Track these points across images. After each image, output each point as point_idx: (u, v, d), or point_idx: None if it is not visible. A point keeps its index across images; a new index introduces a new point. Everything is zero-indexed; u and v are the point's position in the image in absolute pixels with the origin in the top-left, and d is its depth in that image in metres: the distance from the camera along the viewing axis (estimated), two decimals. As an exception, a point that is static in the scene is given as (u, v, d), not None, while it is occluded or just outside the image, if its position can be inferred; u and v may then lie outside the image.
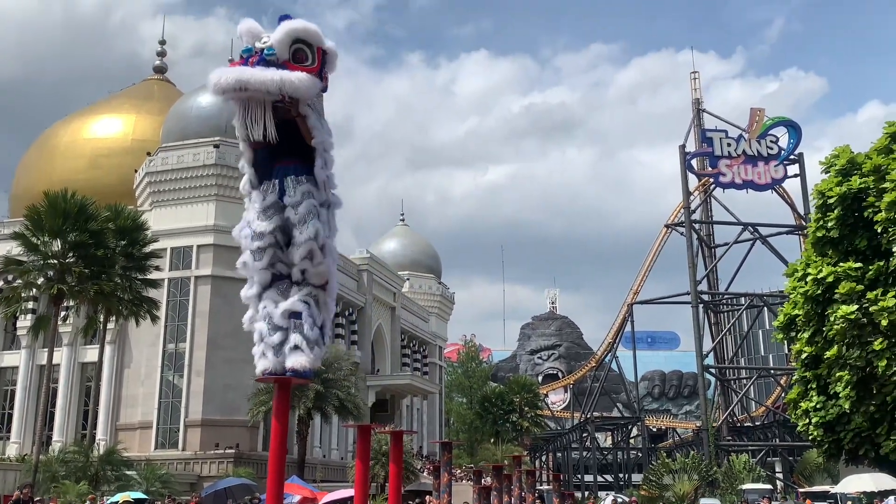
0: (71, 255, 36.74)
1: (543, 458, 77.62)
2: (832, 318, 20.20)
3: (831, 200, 21.59)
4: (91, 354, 49.02)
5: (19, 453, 47.14)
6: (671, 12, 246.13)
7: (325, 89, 5.53)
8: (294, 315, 5.58)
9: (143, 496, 24.14)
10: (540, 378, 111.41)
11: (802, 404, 22.77)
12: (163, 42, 74.61)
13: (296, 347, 5.52)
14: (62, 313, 40.56)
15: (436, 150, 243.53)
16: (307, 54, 5.35)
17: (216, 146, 49.92)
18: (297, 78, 5.22)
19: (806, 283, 21.61)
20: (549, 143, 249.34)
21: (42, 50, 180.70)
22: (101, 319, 39.98)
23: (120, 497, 21.60)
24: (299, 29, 5.34)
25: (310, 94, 5.32)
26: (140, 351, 49.97)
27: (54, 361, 41.70)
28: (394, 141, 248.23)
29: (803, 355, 22.11)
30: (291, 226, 5.54)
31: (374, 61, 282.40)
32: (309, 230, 5.46)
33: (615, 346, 71.55)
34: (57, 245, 36.62)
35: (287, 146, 5.52)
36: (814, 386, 22.27)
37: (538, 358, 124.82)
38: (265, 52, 5.28)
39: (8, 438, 51.88)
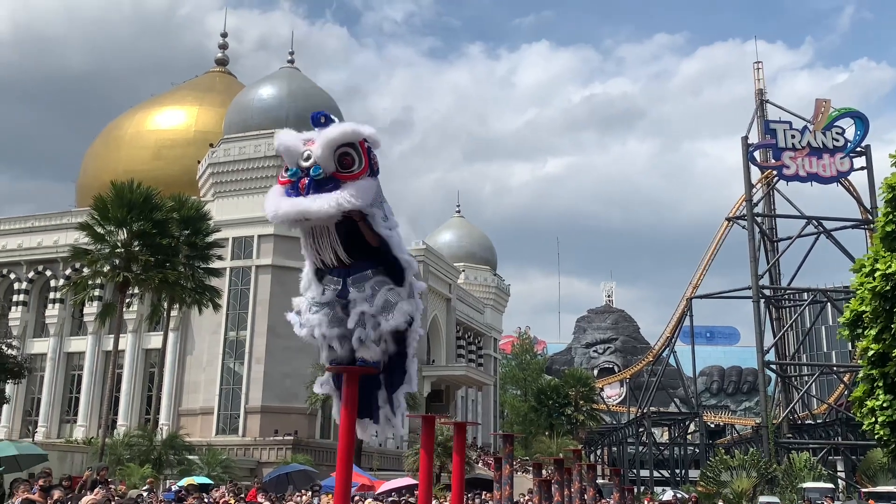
0: (136, 244, 37.67)
1: (598, 452, 77.16)
2: (901, 315, 19.70)
3: (901, 194, 21.02)
4: (155, 341, 50.24)
5: (86, 436, 48.62)
6: (738, 1, 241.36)
7: (377, 174, 5.38)
8: (359, 308, 5.62)
9: (209, 481, 24.71)
10: (595, 372, 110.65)
11: (868, 403, 22.23)
12: (224, 35, 75.91)
13: (363, 340, 5.59)
14: (127, 301, 41.64)
15: (494, 142, 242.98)
16: (353, 157, 5.20)
17: (277, 138, 50.60)
18: (350, 195, 5.08)
19: (874, 278, 21.08)
20: (609, 135, 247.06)
21: (110, 44, 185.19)
22: (165, 307, 40.91)
23: (185, 481, 22.15)
24: (338, 138, 5.15)
25: (367, 202, 5.22)
26: (202, 338, 51.04)
27: (119, 348, 42.81)
28: (452, 132, 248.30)
29: (870, 352, 21.58)
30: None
31: (433, 53, 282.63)
32: (395, 319, 5.45)
33: (673, 340, 70.67)
34: (122, 234, 37.58)
35: (353, 246, 5.44)
36: (880, 384, 21.73)
37: (593, 351, 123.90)
38: (312, 173, 5.13)
39: (75, 422, 53.53)
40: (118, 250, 37.55)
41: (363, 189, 5.18)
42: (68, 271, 53.03)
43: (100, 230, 37.50)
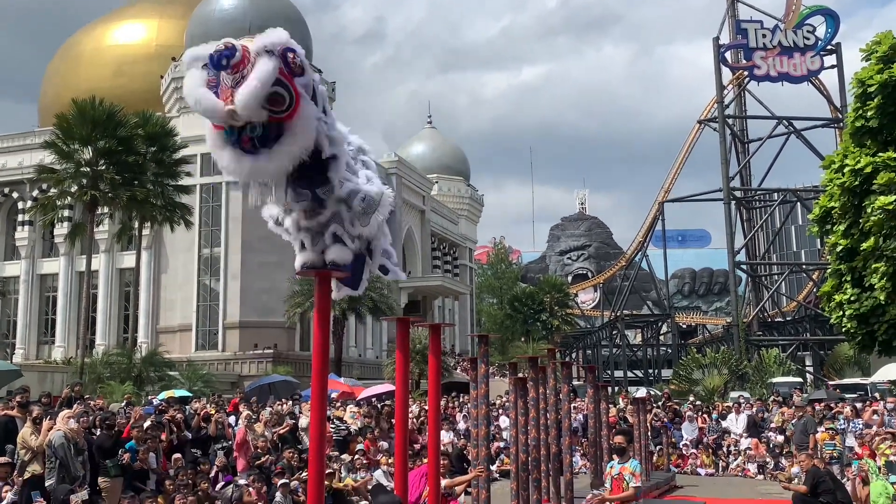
0: (102, 162, 37.06)
1: (574, 355, 78.76)
2: (869, 210, 19.92)
3: (871, 89, 20.98)
4: (128, 260, 49.96)
5: (64, 356, 48.77)
6: None
7: (303, 72, 4.82)
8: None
9: (187, 394, 24.95)
10: (570, 278, 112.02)
11: (836, 297, 22.69)
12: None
13: (336, 239, 5.53)
14: (97, 220, 41.19)
15: (468, 51, 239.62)
16: (282, 95, 4.69)
17: (241, 49, 49.36)
18: (298, 148, 4.80)
19: (843, 174, 21.23)
20: (584, 41, 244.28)
21: None
22: (136, 226, 40.53)
23: (165, 395, 22.36)
24: (258, 91, 4.55)
25: (313, 135, 4.90)
26: (176, 256, 50.83)
27: (93, 268, 42.50)
28: (425, 43, 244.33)
29: (838, 248, 21.91)
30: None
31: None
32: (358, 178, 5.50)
33: (646, 244, 71.39)
34: (88, 153, 36.90)
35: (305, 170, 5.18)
36: (848, 278, 22.14)
37: (567, 258, 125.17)
38: (250, 133, 4.70)
39: (53, 342, 53.58)
40: (84, 169, 36.94)
41: (305, 126, 4.84)
42: (35, 192, 52.17)
43: (65, 148, 36.79)
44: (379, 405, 22.49)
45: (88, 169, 36.96)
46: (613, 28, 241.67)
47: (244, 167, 4.83)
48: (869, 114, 21.13)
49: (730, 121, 62.03)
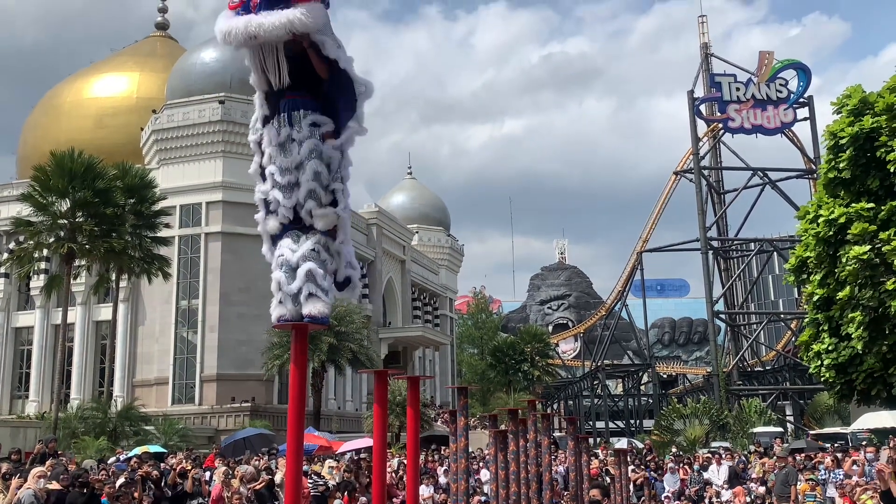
0: (80, 214, 36.88)
1: (555, 405, 78.29)
2: (844, 259, 20.13)
3: (843, 141, 21.36)
4: (105, 313, 49.45)
5: (38, 411, 47.89)
6: None
7: (328, 5, 5.39)
8: (306, 265, 5.56)
9: (162, 450, 24.52)
10: (550, 328, 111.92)
11: (814, 346, 22.80)
12: (164, -2, 73.82)
13: (311, 295, 5.52)
14: (74, 272, 40.82)
15: (452, 104, 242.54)
16: None
17: (221, 102, 49.68)
18: (302, 14, 5.08)
19: (818, 224, 21.50)
20: (567, 94, 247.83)
21: (62, 15, 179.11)
22: (114, 278, 40.21)
23: (139, 450, 21.95)
24: None
25: (319, 25, 5.20)
26: (153, 308, 50.35)
27: (69, 321, 41.98)
28: (410, 95, 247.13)
29: (815, 297, 22.08)
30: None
31: (388, 15, 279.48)
32: (307, 172, 5.41)
33: (625, 294, 71.64)
34: (65, 204, 36.73)
35: (296, 78, 5.46)
36: (825, 328, 22.28)
37: (548, 308, 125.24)
38: None
39: (27, 397, 52.64)
40: (62, 221, 36.72)
41: (315, 10, 5.14)
42: (12, 244, 51.69)
43: (42, 201, 36.61)
44: (357, 458, 22.18)
45: (66, 221, 36.75)
46: (595, 82, 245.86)
47: (240, 22, 5.09)
48: (841, 165, 21.48)
49: (705, 172, 62.83)
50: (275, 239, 5.73)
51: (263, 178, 5.61)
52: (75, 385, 51.00)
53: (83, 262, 40.72)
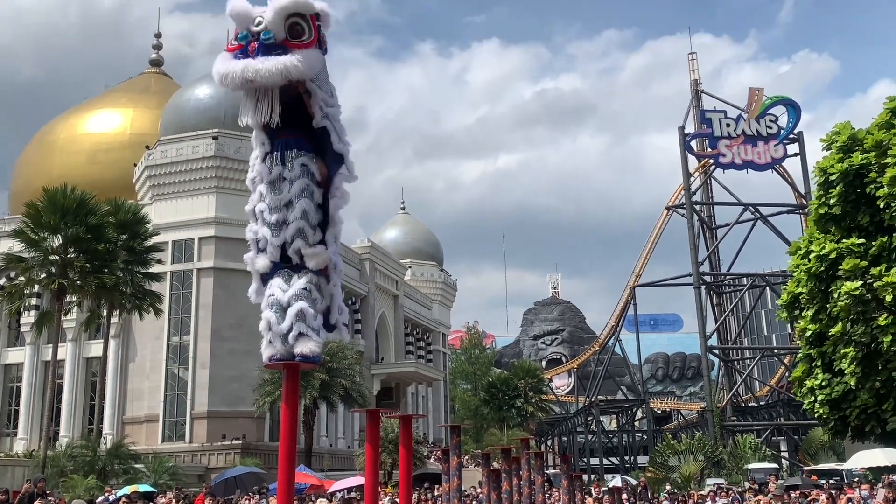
0: (72, 250, 36.75)
1: (549, 442, 77.84)
2: (836, 295, 20.15)
3: (833, 177, 21.49)
4: (96, 349, 49.11)
5: (26, 449, 47.32)
6: None
7: (325, 52, 5.56)
8: (297, 304, 5.57)
9: (151, 489, 24.23)
10: (543, 363, 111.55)
11: (807, 382, 22.74)
12: (158, 35, 74.42)
13: (301, 335, 5.52)
14: (65, 308, 40.59)
15: (446, 139, 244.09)
16: (303, 27, 5.36)
17: (215, 138, 49.85)
18: (298, 61, 5.25)
19: (809, 260, 21.55)
20: (560, 130, 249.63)
21: (59, 50, 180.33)
22: (105, 314, 39.99)
23: (128, 489, 21.69)
24: (289, 6, 5.32)
25: (314, 72, 5.36)
26: (144, 344, 50.06)
27: (59, 357, 41.71)
28: (404, 131, 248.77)
29: (807, 333, 22.06)
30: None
31: (383, 52, 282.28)
32: (296, 210, 5.47)
33: (618, 329, 71.58)
34: (57, 240, 36.61)
35: (291, 119, 5.55)
36: (818, 363, 22.24)
37: (541, 343, 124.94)
38: (262, 36, 5.30)
39: (15, 435, 52.04)
40: (53, 257, 36.59)
41: (311, 58, 5.30)
42: (2, 280, 51.42)
43: (34, 237, 36.50)
44: (348, 497, 21.95)
45: (57, 257, 36.63)
46: (588, 118, 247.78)
47: (237, 66, 5.25)
48: (832, 201, 21.59)
49: (697, 207, 63.19)
50: (265, 278, 5.76)
51: (256, 218, 5.69)
52: (64, 422, 50.49)
53: (74, 298, 40.53)
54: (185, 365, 48.77)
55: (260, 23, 5.32)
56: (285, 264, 5.64)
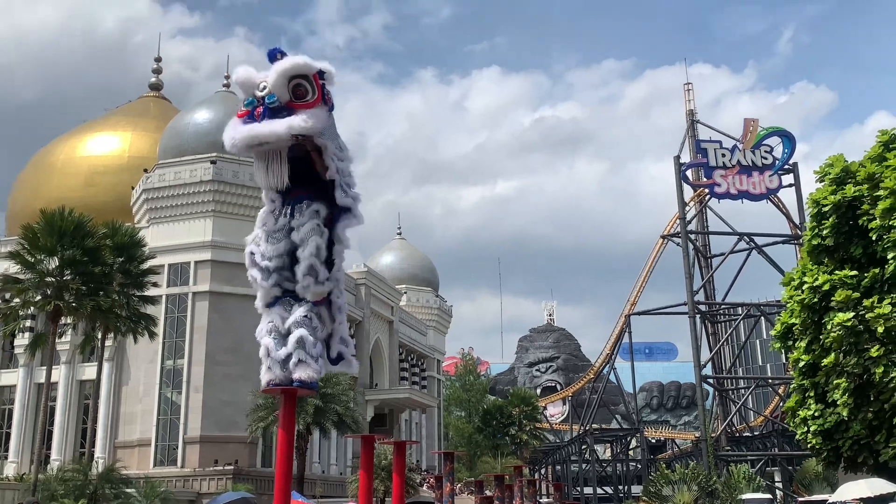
0: (68, 272, 36.79)
1: (543, 470, 77.46)
2: (829, 326, 20.25)
3: (826, 209, 21.67)
4: (89, 372, 48.99)
5: (17, 472, 47.04)
6: (685, 28, 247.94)
7: (332, 109, 5.72)
8: (297, 331, 5.69)
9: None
10: (538, 391, 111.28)
11: (801, 412, 22.77)
12: (158, 59, 74.93)
13: (300, 361, 5.63)
14: (60, 331, 40.55)
15: (445, 166, 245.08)
16: (306, 88, 5.53)
17: (213, 162, 50.07)
18: (303, 120, 5.43)
19: (802, 291, 21.68)
20: (558, 158, 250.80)
21: (62, 72, 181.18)
22: (99, 336, 39.96)
23: (120, 514, 21.60)
24: (290, 68, 5.50)
25: (319, 129, 5.52)
26: (138, 368, 49.93)
27: (52, 379, 41.63)
28: (403, 156, 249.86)
29: (801, 363, 22.13)
30: (297, 246, 5.72)
31: (383, 78, 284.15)
32: (310, 247, 5.61)
33: (613, 357, 71.52)
34: (54, 263, 36.67)
35: (303, 176, 5.72)
36: (812, 394, 22.29)
37: (536, 370, 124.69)
38: (267, 100, 5.48)
39: (6, 458, 51.71)
40: (49, 279, 36.62)
41: (316, 116, 5.49)
42: (-3, 302, 51.43)
43: (30, 259, 36.57)
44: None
45: (53, 279, 36.66)
46: (585, 146, 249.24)
47: (244, 130, 5.46)
48: (825, 233, 21.76)
49: (692, 236, 63.39)
50: (269, 305, 5.92)
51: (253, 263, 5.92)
52: (56, 446, 50.22)
53: (69, 321, 40.51)
54: (178, 389, 48.62)
55: (264, 87, 5.50)
56: (288, 294, 5.80)
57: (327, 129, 5.66)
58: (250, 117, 5.55)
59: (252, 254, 5.86)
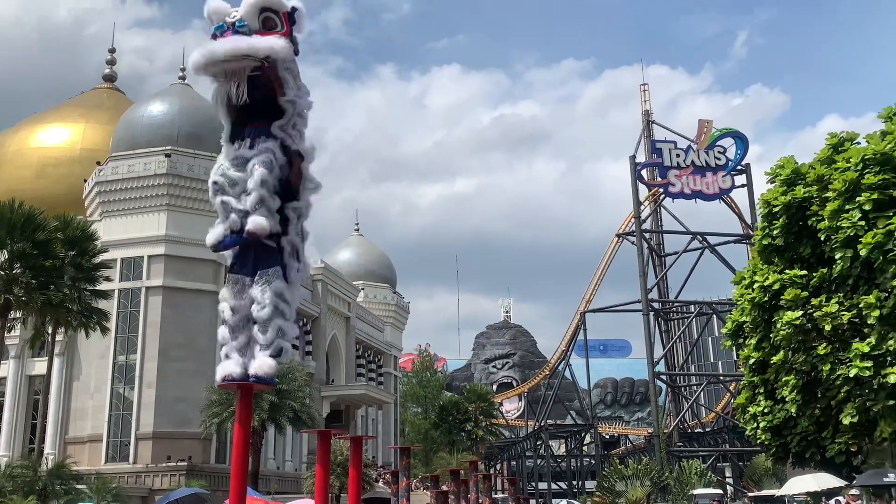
0: (17, 265, 36.05)
1: (498, 466, 77.86)
2: (778, 325, 20.72)
3: (776, 209, 22.17)
4: (39, 367, 48.10)
5: (-37, 469, 45.98)
6: (643, 29, 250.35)
7: (297, 52, 5.82)
8: (257, 319, 5.66)
9: (95, 510, 23.81)
10: (494, 387, 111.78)
11: (750, 409, 23.27)
12: (112, 50, 73.64)
13: (261, 349, 5.63)
14: (8, 325, 39.73)
15: (404, 162, 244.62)
16: (275, 21, 5.66)
17: (167, 155, 49.38)
18: (266, 42, 5.52)
19: (753, 290, 22.15)
20: (517, 156, 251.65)
21: (12, 65, 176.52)
22: (50, 331, 39.24)
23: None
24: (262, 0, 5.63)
25: (283, 55, 5.61)
26: (89, 363, 49.12)
27: (1, 375, 40.75)
28: (362, 152, 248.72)
29: (751, 361, 22.61)
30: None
31: (342, 73, 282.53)
32: (255, 177, 5.63)
33: (568, 354, 72.17)
34: (3, 256, 35.92)
35: (264, 111, 5.78)
36: (761, 391, 22.78)
37: (492, 367, 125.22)
38: (237, 24, 5.62)
39: (-49, 454, 50.56)
40: (-2, 272, 35.87)
41: (279, 44, 5.57)
42: (-57, 296, 50.19)
43: (-22, 252, 35.78)
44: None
45: (2, 272, 35.90)
46: (544, 145, 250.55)
47: (208, 46, 5.53)
48: (775, 233, 22.25)
49: (647, 235, 64.18)
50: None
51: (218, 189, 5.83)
52: (4, 442, 49.21)
53: (19, 315, 39.70)
54: (130, 384, 47.94)
55: (235, 16, 5.63)
56: (240, 269, 5.78)
57: (292, 67, 5.77)
58: (222, 34, 5.65)
59: (216, 182, 5.88)
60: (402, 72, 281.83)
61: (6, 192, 42.29)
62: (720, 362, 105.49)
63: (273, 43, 5.54)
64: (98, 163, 52.67)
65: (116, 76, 72.30)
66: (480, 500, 12.67)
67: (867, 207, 19.58)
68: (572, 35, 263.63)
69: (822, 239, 20.82)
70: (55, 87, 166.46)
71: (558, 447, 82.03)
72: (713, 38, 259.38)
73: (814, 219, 21.19)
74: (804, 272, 21.11)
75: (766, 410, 22.38)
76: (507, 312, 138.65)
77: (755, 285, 22.08)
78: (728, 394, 67.99)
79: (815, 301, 20.15)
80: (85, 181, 53.96)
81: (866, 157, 20.39)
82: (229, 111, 5.85)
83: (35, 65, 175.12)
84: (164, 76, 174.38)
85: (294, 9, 5.75)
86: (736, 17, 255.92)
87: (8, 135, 65.00)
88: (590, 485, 61.64)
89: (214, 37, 5.64)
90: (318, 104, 6.12)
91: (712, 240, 63.42)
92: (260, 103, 5.72)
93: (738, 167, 63.19)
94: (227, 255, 5.90)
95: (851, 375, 18.93)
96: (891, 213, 19.29)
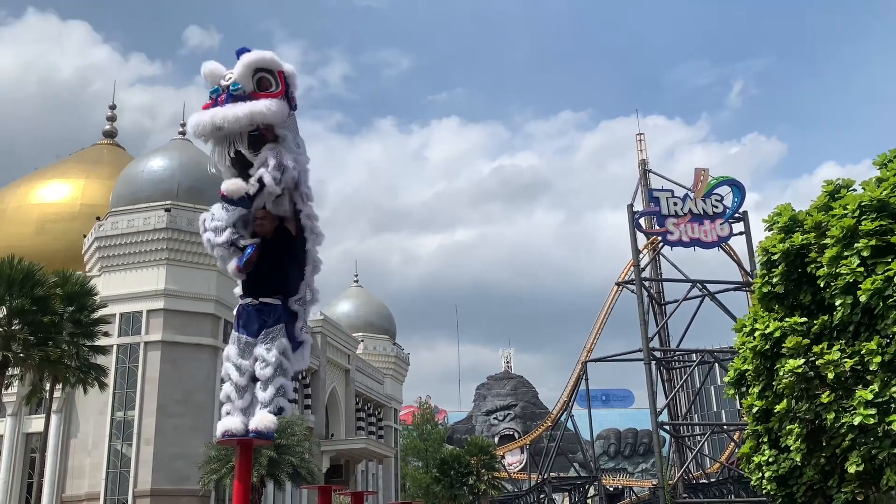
0: (16, 321, 35.93)
1: (501, 520, 76.73)
2: (781, 373, 20.56)
3: (775, 257, 22.15)
4: (36, 424, 47.65)
5: (-42, 530, 45.33)
6: (639, 80, 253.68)
7: (294, 108, 5.89)
8: (259, 377, 5.66)
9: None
10: (496, 439, 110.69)
11: (755, 458, 22.96)
12: (113, 106, 74.39)
13: (261, 406, 5.61)
14: (6, 382, 39.46)
15: (404, 213, 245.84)
16: (270, 81, 5.70)
17: (167, 210, 49.60)
18: (264, 106, 5.56)
19: (754, 338, 22.02)
20: (516, 206, 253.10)
21: (16, 123, 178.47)
22: (47, 387, 38.96)
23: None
24: (257, 60, 5.70)
25: (280, 117, 5.67)
26: (87, 420, 48.68)
27: (-3, 432, 40.31)
28: (362, 204, 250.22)
29: (754, 409, 22.38)
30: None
31: (342, 127, 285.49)
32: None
33: (570, 404, 71.59)
34: (1, 312, 35.83)
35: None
36: (765, 440, 22.52)
37: (494, 418, 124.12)
38: (231, 88, 5.63)
39: (-55, 515, 49.85)
40: (-4, 329, 35.72)
41: (277, 105, 5.63)
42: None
43: (-24, 309, 35.68)
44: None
45: (0, 329, 35.78)
46: (543, 195, 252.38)
47: (207, 114, 5.61)
48: (774, 280, 22.21)
49: (646, 283, 64.17)
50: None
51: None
52: (0, 501, 48.53)
53: (16, 371, 39.47)
54: (128, 441, 47.44)
55: (230, 78, 5.67)
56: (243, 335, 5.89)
57: (290, 125, 5.84)
58: (213, 106, 5.68)
59: (205, 220, 6.07)
60: (401, 125, 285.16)
61: (6, 249, 42.36)
62: (723, 411, 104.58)
63: (268, 106, 5.57)
64: (98, 218, 52.85)
65: (117, 132, 72.91)
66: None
67: (865, 254, 19.58)
68: (568, 87, 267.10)
69: (822, 286, 20.77)
70: (57, 144, 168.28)
71: (562, 500, 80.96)
72: (708, 87, 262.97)
73: (813, 266, 21.18)
74: (805, 319, 21.01)
75: (770, 460, 22.07)
76: (507, 363, 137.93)
77: (756, 333, 21.95)
78: (732, 443, 67.26)
79: (816, 348, 20.02)
80: (84, 236, 54.09)
81: (863, 204, 20.47)
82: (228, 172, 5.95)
83: (37, 122, 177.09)
84: (167, 132, 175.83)
85: (286, 72, 5.83)
86: (729, 66, 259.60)
87: (9, 191, 65.34)
88: (594, 538, 60.65)
89: (211, 102, 5.71)
90: (318, 159, 6.24)
91: (712, 287, 63.40)
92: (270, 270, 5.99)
93: (736, 215, 63.48)
94: (234, 316, 6.04)
95: (856, 423, 18.74)
96: (889, 259, 19.30)
